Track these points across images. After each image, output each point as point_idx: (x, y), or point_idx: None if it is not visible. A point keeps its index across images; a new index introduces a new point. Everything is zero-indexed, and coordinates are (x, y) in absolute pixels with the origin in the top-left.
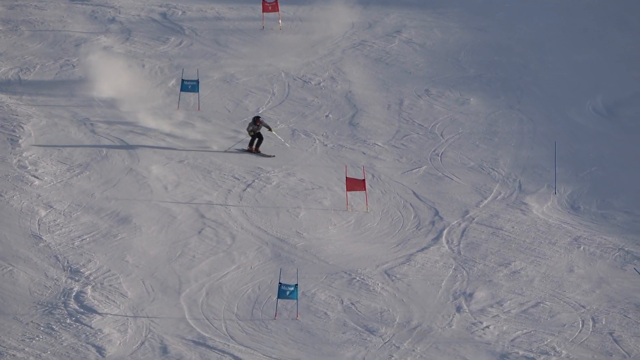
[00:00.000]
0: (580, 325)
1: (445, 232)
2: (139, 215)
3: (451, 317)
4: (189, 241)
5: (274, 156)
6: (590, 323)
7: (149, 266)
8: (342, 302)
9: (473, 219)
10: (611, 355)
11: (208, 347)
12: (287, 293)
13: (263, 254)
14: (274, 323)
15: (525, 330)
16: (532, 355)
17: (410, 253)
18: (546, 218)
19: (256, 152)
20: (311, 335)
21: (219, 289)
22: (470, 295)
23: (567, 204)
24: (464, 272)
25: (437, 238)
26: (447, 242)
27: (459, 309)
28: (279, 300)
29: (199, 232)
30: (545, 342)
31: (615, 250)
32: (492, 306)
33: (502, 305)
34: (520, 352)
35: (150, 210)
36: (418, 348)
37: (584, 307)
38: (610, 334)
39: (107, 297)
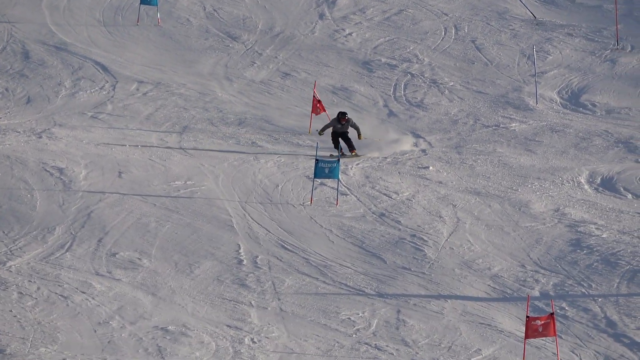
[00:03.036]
0: (443, 33)
1: None
2: None
3: (314, 24)
4: None
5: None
6: (453, 31)
7: None
8: (204, 8)
9: None
10: (473, 63)
11: (70, 52)
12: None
13: None
14: (136, 29)
15: (388, 38)
16: (394, 62)
17: None
18: None
19: (352, 153)
20: (174, 41)
21: None
22: (333, 2)
23: None
24: None
25: None
26: None
27: (321, 16)
28: (141, 6)
29: None
30: (408, 50)
31: None
32: (355, 13)
33: (365, 12)
34: (383, 60)
35: None
36: (280, 55)
37: (446, 14)
38: (473, 41)
39: None
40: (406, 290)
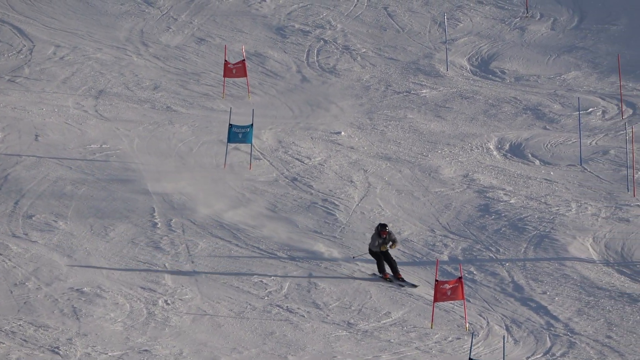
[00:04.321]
0: (356, 0)
1: None
2: None
3: None
4: None
5: (418, 286)
6: None
7: None
8: None
9: None
10: (385, 30)
11: None
12: None
13: None
14: None
15: (301, 4)
16: (307, 28)
17: None
18: None
19: (398, 279)
20: (90, 6)
21: None
22: None
23: None
24: None
25: None
26: None
27: None
28: None
29: None
30: (321, 16)
31: None
32: None
33: None
34: (296, 26)
35: None
36: (196, 20)
37: None
38: (385, 8)
39: None
40: (318, 253)
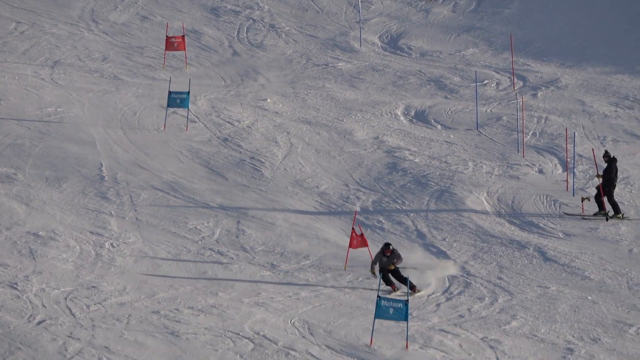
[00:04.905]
0: None
1: None
2: None
3: None
4: None
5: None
6: None
7: None
8: None
9: None
10: (307, 11)
11: None
12: None
13: None
14: None
15: None
16: (238, 9)
17: None
18: None
19: (412, 290)
20: None
21: None
22: None
23: None
24: None
25: None
26: None
27: None
28: None
29: None
30: None
31: None
32: None
33: None
34: (228, 7)
35: None
36: (140, 0)
37: None
38: None
39: None
40: (245, 204)
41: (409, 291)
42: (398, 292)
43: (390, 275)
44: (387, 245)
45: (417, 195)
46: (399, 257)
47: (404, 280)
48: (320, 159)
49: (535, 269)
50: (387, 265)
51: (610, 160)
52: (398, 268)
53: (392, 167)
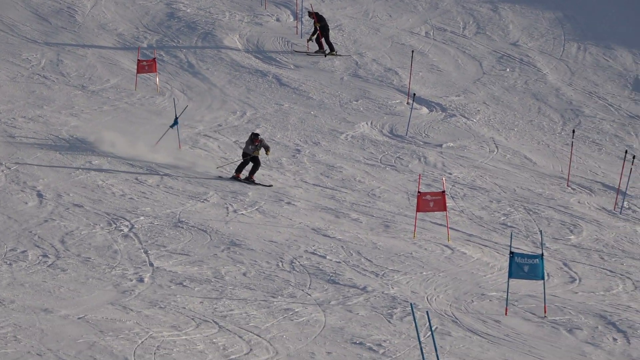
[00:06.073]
0: None
1: None
2: None
3: None
4: None
5: (271, 185)
6: None
7: None
8: None
9: None
10: None
11: None
12: None
13: None
14: None
15: None
16: None
17: None
18: None
19: (249, 180)
20: None
21: None
22: None
23: None
24: None
25: None
26: None
27: None
28: None
29: None
30: None
31: None
32: None
33: None
34: None
35: None
36: None
37: None
38: None
39: None
40: (64, 41)
41: (247, 177)
42: (242, 179)
43: (250, 163)
44: (255, 135)
45: (188, 36)
46: (267, 147)
47: (255, 167)
48: (119, 9)
49: (273, 91)
50: (252, 152)
51: (317, 15)
52: (258, 157)
53: (171, 16)
